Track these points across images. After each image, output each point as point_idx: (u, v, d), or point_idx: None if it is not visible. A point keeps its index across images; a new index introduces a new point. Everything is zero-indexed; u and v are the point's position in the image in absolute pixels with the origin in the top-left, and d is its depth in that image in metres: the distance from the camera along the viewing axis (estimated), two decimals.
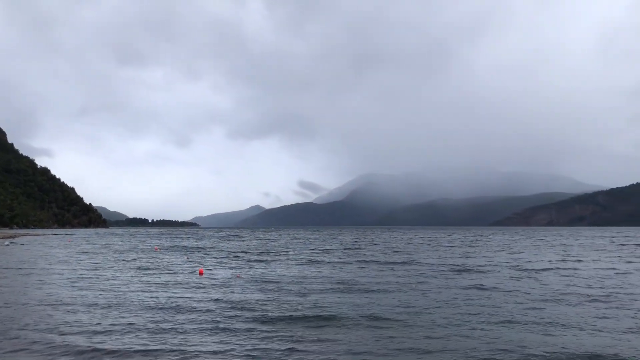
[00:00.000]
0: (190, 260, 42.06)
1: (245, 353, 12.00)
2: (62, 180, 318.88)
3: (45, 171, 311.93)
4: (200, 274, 30.12)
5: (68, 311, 17.34)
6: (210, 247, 64.83)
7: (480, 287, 23.42)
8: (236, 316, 16.28)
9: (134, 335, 13.81)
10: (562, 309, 17.68)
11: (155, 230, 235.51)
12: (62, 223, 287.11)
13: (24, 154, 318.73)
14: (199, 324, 15.15)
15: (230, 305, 18.22)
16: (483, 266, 34.80)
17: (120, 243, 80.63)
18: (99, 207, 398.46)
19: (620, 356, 11.72)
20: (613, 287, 23.40)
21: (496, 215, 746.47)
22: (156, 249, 60.26)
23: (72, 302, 19.26)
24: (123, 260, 41.96)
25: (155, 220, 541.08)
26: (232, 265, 36.26)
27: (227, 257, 46.06)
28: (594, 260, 41.14)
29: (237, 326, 14.83)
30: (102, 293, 21.66)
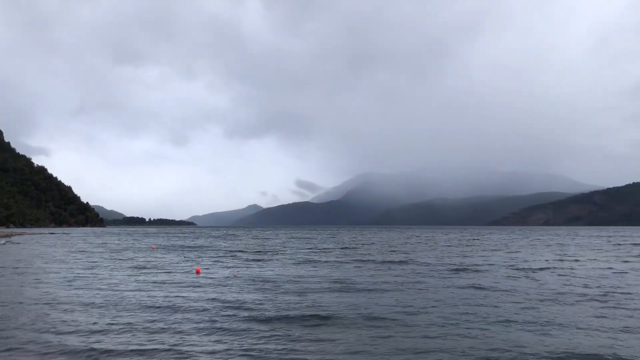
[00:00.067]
0: (187, 259, 42.01)
1: (243, 353, 11.98)
2: (59, 179, 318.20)
3: (42, 170, 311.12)
4: (197, 273, 30.09)
5: (64, 310, 17.29)
6: (208, 246, 64.77)
7: (477, 287, 23.44)
8: (233, 315, 16.25)
9: (131, 334, 13.78)
10: (559, 309, 17.71)
11: (152, 230, 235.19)
12: (59, 222, 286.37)
13: (20, 153, 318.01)
14: (196, 323, 15.13)
15: (227, 305, 18.19)
16: (480, 265, 34.84)
17: (117, 242, 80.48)
18: (96, 206, 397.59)
19: (618, 356, 11.73)
20: (610, 287, 23.44)
21: (493, 214, 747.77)
22: (153, 248, 60.18)
23: (69, 301, 19.21)
24: (120, 259, 41.89)
25: (152, 220, 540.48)
26: (229, 265, 36.23)
27: (224, 256, 46.01)
28: (590, 259, 41.23)
29: (234, 326, 14.81)
30: (99, 292, 21.61)
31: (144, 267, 33.84)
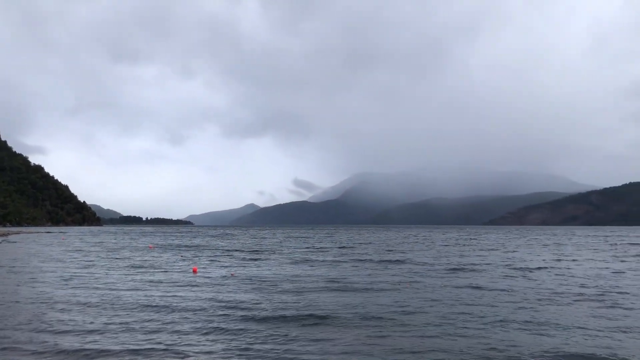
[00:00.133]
0: (184, 258, 41.96)
1: (240, 353, 11.97)
2: (55, 178, 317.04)
3: (38, 169, 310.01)
4: (194, 272, 30.07)
5: (61, 310, 17.25)
6: (205, 246, 64.71)
7: (474, 287, 23.47)
8: (230, 315, 16.23)
9: (128, 334, 13.74)
10: (556, 308, 17.74)
11: (149, 229, 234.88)
12: (56, 221, 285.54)
13: (17, 152, 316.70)
14: (193, 323, 15.10)
15: (224, 304, 18.18)
16: (477, 265, 34.90)
17: (114, 241, 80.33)
18: (93, 205, 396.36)
19: (615, 356, 11.75)
20: (606, 287, 23.50)
21: (490, 214, 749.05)
22: (150, 247, 60.09)
23: (66, 300, 19.16)
24: (117, 258, 41.81)
25: (149, 219, 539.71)
26: (226, 264, 36.21)
27: (221, 255, 45.98)
28: (587, 259, 41.34)
29: (231, 325, 14.79)
30: (96, 292, 21.56)
31: (141, 267, 33.79)
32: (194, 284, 24.49)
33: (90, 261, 38.59)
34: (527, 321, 15.42)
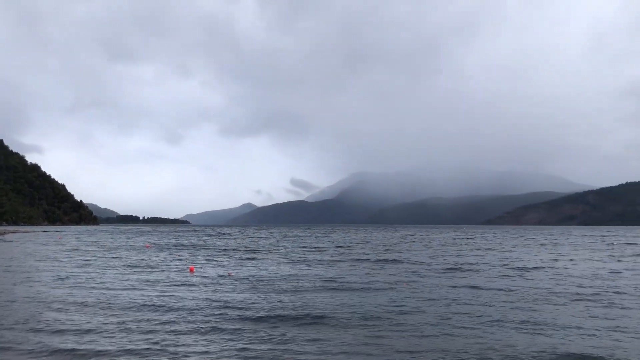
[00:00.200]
0: (181, 258, 41.90)
1: (236, 353, 11.95)
2: (52, 177, 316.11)
3: (35, 168, 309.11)
4: (191, 271, 30.02)
5: (57, 310, 17.19)
6: (202, 245, 64.65)
7: (471, 286, 23.49)
8: (227, 315, 16.21)
9: (124, 334, 13.71)
10: (553, 308, 17.77)
11: (146, 228, 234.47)
12: (53, 220, 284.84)
13: (13, 150, 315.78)
14: (190, 323, 15.07)
15: (221, 304, 18.15)
16: (474, 265, 34.95)
17: (110, 240, 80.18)
18: (90, 204, 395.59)
19: (611, 356, 11.77)
20: (603, 287, 23.56)
21: (487, 214, 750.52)
22: (147, 247, 60.00)
23: (62, 300, 19.11)
24: (113, 257, 41.71)
25: (146, 218, 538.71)
26: (223, 263, 36.16)
27: (218, 255, 45.93)
28: (584, 259, 41.44)
29: (227, 325, 14.76)
30: (92, 291, 21.51)
31: (138, 266, 33.72)
32: (190, 283, 24.45)
33: (87, 260, 38.49)
34: (524, 321, 15.44)
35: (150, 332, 13.93)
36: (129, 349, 12.13)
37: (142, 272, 30.04)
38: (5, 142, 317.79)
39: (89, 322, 15.02)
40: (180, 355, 11.69)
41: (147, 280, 25.51)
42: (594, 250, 54.69)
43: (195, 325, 14.68)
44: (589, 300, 19.69)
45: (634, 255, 47.29)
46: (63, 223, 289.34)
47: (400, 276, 27.76)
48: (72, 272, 29.41)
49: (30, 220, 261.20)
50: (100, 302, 18.54)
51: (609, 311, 17.31)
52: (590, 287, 23.52)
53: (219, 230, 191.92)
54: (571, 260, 40.47)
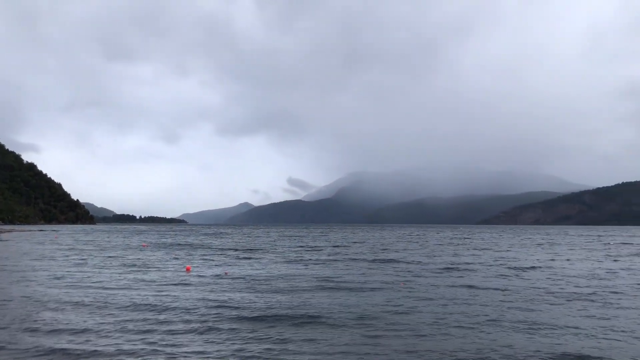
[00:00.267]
0: (178, 257, 41.83)
1: (233, 353, 11.92)
2: (48, 176, 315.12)
3: (31, 166, 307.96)
4: (188, 271, 29.98)
5: (53, 309, 17.13)
6: (198, 244, 64.56)
7: (468, 286, 23.51)
8: (223, 315, 16.17)
9: (120, 334, 13.66)
10: (549, 308, 17.79)
11: (143, 227, 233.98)
12: (49, 219, 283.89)
13: (9, 149, 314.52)
14: (186, 322, 15.04)
15: (217, 304, 18.11)
16: (471, 264, 34.99)
17: (107, 239, 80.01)
18: (86, 203, 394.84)
19: (607, 357, 11.78)
20: (599, 286, 23.61)
21: (484, 213, 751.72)
22: (144, 246, 59.90)
23: (58, 300, 19.03)
24: (110, 257, 41.61)
25: (143, 217, 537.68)
26: (220, 263, 36.12)
27: (214, 254, 45.88)
28: (580, 259, 41.53)
29: (224, 325, 14.73)
30: (88, 291, 21.44)
31: (134, 265, 33.64)
32: (187, 282, 24.40)
33: (83, 260, 38.39)
34: (521, 320, 15.45)
35: (147, 331, 13.89)
36: (125, 349, 12.09)
37: (139, 271, 29.98)
38: (2, 141, 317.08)
39: (85, 322, 14.97)
40: (177, 355, 11.65)
41: (144, 280, 25.45)
42: (591, 250, 54.83)
43: (192, 325, 14.65)
44: (586, 300, 19.72)
45: (630, 255, 47.43)
46: (59, 222, 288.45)
47: (397, 276, 27.76)
48: (68, 272, 29.33)
49: (26, 220, 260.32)
50: (97, 302, 18.48)
51: (605, 311, 17.35)
52: (587, 286, 23.57)
53: (215, 229, 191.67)
54: (568, 259, 40.57)
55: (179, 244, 65.03)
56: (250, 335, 13.61)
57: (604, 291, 22.04)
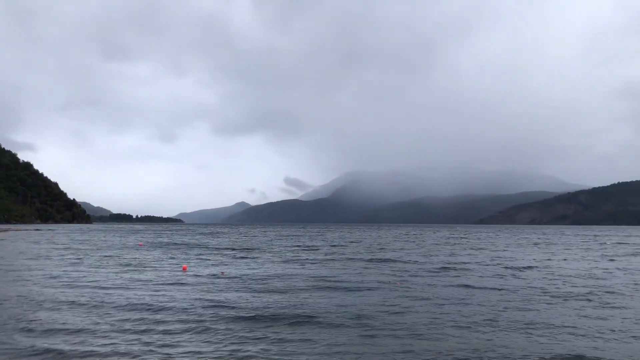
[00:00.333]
0: (174, 257, 41.75)
1: (229, 353, 11.89)
2: (45, 175, 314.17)
3: (27, 166, 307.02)
4: (184, 270, 29.92)
5: (49, 309, 17.07)
6: (195, 244, 64.47)
7: (464, 286, 23.54)
8: (220, 315, 16.14)
9: (116, 334, 13.62)
10: (545, 308, 17.82)
11: (139, 226, 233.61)
12: (45, 218, 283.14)
13: (6, 148, 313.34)
14: (182, 323, 14.99)
15: (214, 304, 18.07)
16: (467, 264, 35.03)
17: (103, 239, 79.84)
18: (83, 202, 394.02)
19: (603, 357, 11.80)
20: (596, 286, 23.66)
21: (481, 213, 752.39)
22: (140, 245, 59.79)
23: (53, 300, 18.97)
24: (106, 256, 41.50)
25: (139, 216, 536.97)
26: (216, 263, 36.06)
27: (211, 253, 45.82)
28: (576, 259, 41.63)
29: (221, 325, 14.70)
30: (84, 290, 21.37)
31: (131, 265, 33.56)
32: (184, 282, 24.35)
33: (79, 259, 38.29)
34: (517, 320, 15.47)
35: (143, 331, 13.85)
36: (121, 349, 12.05)
37: (135, 271, 29.90)
38: None
39: (81, 322, 14.92)
40: (173, 356, 11.62)
41: (140, 279, 25.39)
42: (587, 250, 54.98)
43: (188, 325, 14.61)
44: (583, 299, 19.76)
45: (626, 254, 47.57)
46: (56, 221, 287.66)
47: (394, 275, 27.77)
48: (64, 271, 29.24)
49: (22, 219, 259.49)
50: (93, 302, 18.42)
51: (602, 311, 17.38)
52: (584, 286, 23.62)
53: (212, 229, 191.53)
54: (564, 259, 40.68)
55: (176, 244, 64.93)
56: (247, 335, 13.58)
57: (600, 291, 22.09)
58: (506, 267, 32.92)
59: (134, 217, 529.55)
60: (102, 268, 31.57)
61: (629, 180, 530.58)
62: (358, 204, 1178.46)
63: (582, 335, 13.73)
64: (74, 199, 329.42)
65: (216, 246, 59.25)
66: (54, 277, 26.08)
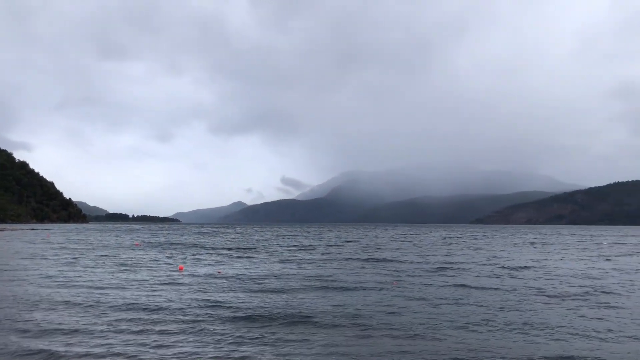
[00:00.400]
0: (171, 256, 41.65)
1: (225, 354, 11.86)
2: (41, 175, 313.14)
3: (23, 165, 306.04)
4: (181, 270, 29.85)
5: (44, 310, 16.99)
6: (192, 244, 64.34)
7: (460, 285, 23.55)
8: (217, 315, 16.10)
9: (113, 334, 13.57)
10: (542, 308, 17.84)
11: (136, 226, 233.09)
12: (41, 218, 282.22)
13: (1, 147, 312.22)
14: (178, 323, 14.95)
15: (210, 304, 18.03)
16: (463, 264, 35.05)
17: (99, 239, 79.60)
18: (79, 202, 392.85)
19: (600, 358, 11.82)
20: (592, 286, 23.69)
21: (477, 213, 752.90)
22: (137, 245, 59.65)
23: (49, 300, 18.89)
24: (102, 256, 41.36)
25: (135, 216, 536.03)
26: (213, 262, 35.98)
27: (207, 253, 45.72)
28: (573, 259, 41.71)
29: (217, 325, 14.67)
30: (80, 290, 21.28)
31: (127, 265, 33.46)
32: (180, 282, 24.28)
33: (75, 259, 38.16)
34: (514, 321, 15.48)
35: (139, 332, 13.81)
36: (117, 350, 12.01)
37: (131, 270, 29.81)
38: None
39: (76, 322, 14.86)
40: (169, 356, 11.58)
41: (136, 279, 25.31)
42: (583, 250, 55.11)
43: (184, 326, 14.56)
44: (579, 299, 19.80)
45: (622, 255, 47.69)
46: (51, 221, 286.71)
47: (390, 275, 27.76)
48: (59, 271, 29.12)
49: (18, 218, 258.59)
50: (88, 302, 18.35)
51: (598, 311, 17.41)
52: (580, 286, 23.67)
53: (209, 228, 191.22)
54: (561, 259, 40.75)
55: (172, 243, 64.79)
56: (244, 335, 13.55)
57: (597, 291, 22.13)
58: (503, 267, 32.95)
59: (131, 216, 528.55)
60: (98, 268, 31.47)
61: (625, 180, 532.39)
62: (355, 203, 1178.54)
63: (579, 335, 13.75)
64: (70, 199, 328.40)
65: (212, 246, 59.15)
66: (50, 277, 25.98)
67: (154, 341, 12.83)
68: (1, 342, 12.63)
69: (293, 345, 12.66)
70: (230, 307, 17.35)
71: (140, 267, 32.29)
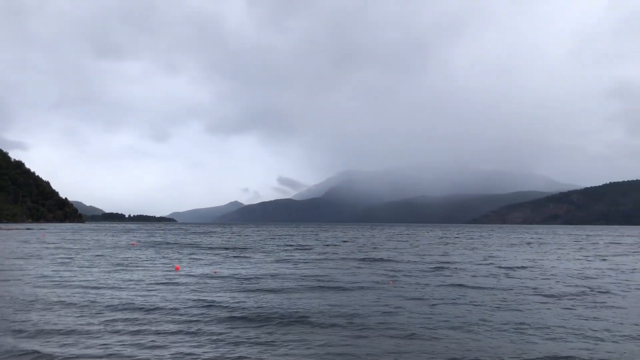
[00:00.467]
0: (167, 256, 41.56)
1: (222, 354, 11.83)
2: (36, 174, 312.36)
3: (19, 164, 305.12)
4: (177, 270, 29.79)
5: (40, 310, 16.92)
6: (188, 243, 64.23)
7: (457, 285, 23.56)
8: (213, 315, 16.07)
9: (109, 335, 13.53)
10: (538, 307, 17.86)
11: (132, 226, 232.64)
12: (37, 217, 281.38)
13: None
14: (175, 323, 14.91)
15: (206, 304, 17.98)
16: (460, 263, 35.08)
17: (96, 238, 79.38)
18: (75, 201, 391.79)
19: (598, 357, 11.84)
20: (589, 286, 23.75)
21: (473, 212, 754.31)
22: (133, 244, 59.51)
23: (44, 300, 18.81)
24: (98, 256, 41.23)
25: (132, 216, 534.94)
26: (210, 262, 35.92)
27: (204, 253, 45.64)
28: (569, 259, 41.80)
29: (214, 326, 14.64)
30: (76, 291, 21.21)
31: (123, 264, 33.36)
32: (176, 282, 24.22)
33: (71, 258, 38.03)
34: (509, 321, 15.49)
35: (135, 332, 13.76)
36: (113, 351, 11.96)
37: (127, 270, 29.73)
38: None
39: (72, 322, 14.80)
40: (166, 356, 11.54)
41: (132, 279, 25.24)
42: (580, 250, 55.25)
43: (180, 326, 14.52)
44: (575, 299, 19.84)
45: (618, 254, 47.84)
46: (47, 221, 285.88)
47: (387, 275, 27.76)
48: (55, 271, 29.02)
49: (13, 218, 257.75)
50: (84, 302, 18.29)
51: (594, 311, 17.45)
52: (576, 286, 23.72)
53: (205, 228, 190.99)
54: (557, 259, 40.84)
55: (168, 243, 64.67)
56: (240, 335, 13.52)
57: (593, 291, 22.18)
58: (499, 267, 33.00)
59: (127, 216, 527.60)
60: (94, 268, 31.37)
61: (620, 180, 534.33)
62: (351, 203, 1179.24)
63: (575, 335, 13.77)
64: (66, 198, 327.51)
65: (209, 246, 59.06)
66: (46, 277, 25.88)
67: (151, 341, 12.79)
68: None
69: (290, 345, 12.64)
70: (226, 307, 17.31)
71: (137, 267, 32.20)
